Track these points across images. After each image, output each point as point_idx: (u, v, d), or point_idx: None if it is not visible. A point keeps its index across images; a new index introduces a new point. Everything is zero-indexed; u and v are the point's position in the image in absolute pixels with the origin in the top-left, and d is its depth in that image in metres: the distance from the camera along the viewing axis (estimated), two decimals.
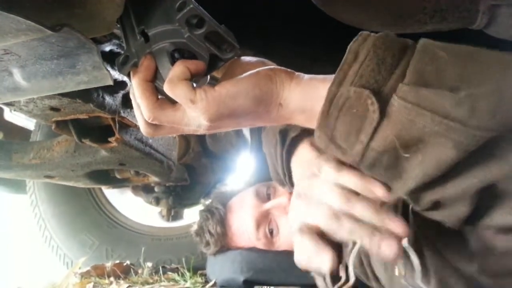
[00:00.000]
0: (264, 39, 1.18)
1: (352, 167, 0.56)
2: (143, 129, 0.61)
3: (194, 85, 0.55)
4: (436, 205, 0.50)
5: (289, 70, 0.58)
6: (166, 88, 0.54)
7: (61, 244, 1.81)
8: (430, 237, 0.66)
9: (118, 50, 0.84)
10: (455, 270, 0.65)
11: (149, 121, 0.57)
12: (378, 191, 0.53)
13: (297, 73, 0.57)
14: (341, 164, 0.56)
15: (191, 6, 0.54)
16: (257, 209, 1.13)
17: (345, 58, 0.49)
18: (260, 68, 0.57)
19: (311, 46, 1.23)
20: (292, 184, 0.84)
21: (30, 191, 1.84)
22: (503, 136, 0.43)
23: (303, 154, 0.78)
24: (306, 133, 0.79)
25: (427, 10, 0.89)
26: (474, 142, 0.43)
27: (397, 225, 0.49)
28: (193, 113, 0.55)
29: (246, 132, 1.83)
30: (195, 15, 0.55)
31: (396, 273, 0.55)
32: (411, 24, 0.92)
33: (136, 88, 0.56)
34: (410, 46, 0.49)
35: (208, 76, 0.62)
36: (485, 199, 0.48)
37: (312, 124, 0.54)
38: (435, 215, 0.52)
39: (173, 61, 0.56)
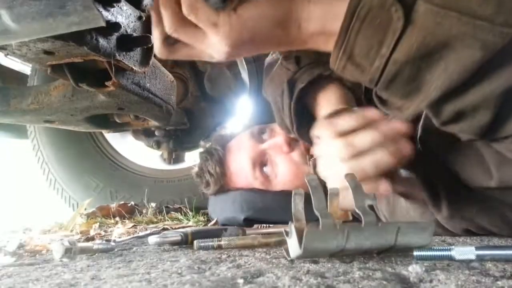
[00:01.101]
0: None
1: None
2: (158, 49, 0.61)
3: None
4: (458, 115, 0.49)
5: None
6: (187, 10, 0.53)
7: (66, 187, 1.86)
8: (444, 161, 0.66)
9: None
10: (468, 192, 0.66)
11: (170, 32, 0.57)
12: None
13: None
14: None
15: None
16: (254, 149, 1.15)
17: None
18: None
19: None
20: (299, 134, 0.85)
21: (32, 135, 1.85)
22: None
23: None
24: (313, 84, 0.79)
25: None
26: (500, 40, 0.42)
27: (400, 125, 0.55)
28: (215, 37, 0.54)
29: (245, 75, 1.80)
30: None
31: None
32: None
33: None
34: None
35: None
36: (507, 104, 0.46)
37: (331, 46, 0.52)
38: (455, 128, 0.51)
39: None
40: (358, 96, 0.80)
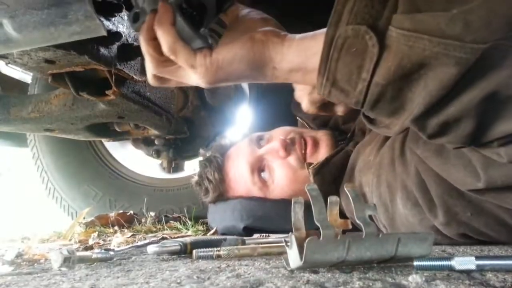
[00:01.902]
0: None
1: None
2: (150, 80, 0.66)
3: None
4: (443, 128, 0.52)
5: (281, 32, 0.60)
6: (168, 52, 0.58)
7: (65, 196, 1.86)
8: (434, 169, 0.68)
9: (112, 0, 0.81)
10: (461, 196, 0.68)
11: (155, 73, 0.63)
12: None
13: (288, 34, 0.59)
14: None
15: None
16: (252, 155, 1.16)
17: (337, 0, 0.49)
18: (255, 32, 0.59)
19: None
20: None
21: (31, 144, 1.85)
22: (497, 45, 0.45)
23: None
24: None
25: None
26: (473, 56, 0.44)
27: None
28: (194, 75, 0.60)
29: (245, 85, 1.81)
30: None
31: None
32: None
33: (142, 46, 0.61)
34: None
35: (218, 18, 0.66)
36: (488, 111, 0.49)
37: (309, 79, 0.57)
38: (443, 139, 0.54)
39: (182, 13, 0.58)
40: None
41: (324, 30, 0.50)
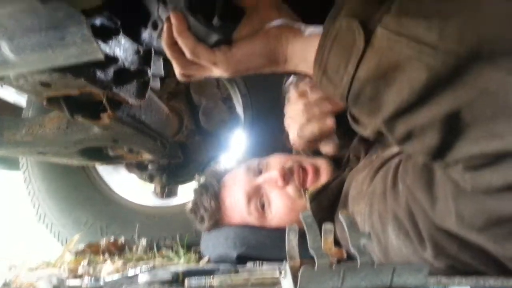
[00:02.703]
0: None
1: None
2: (178, 77, 0.74)
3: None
4: (409, 135, 0.53)
5: (294, 26, 0.65)
6: (190, 56, 0.66)
7: (56, 221, 1.82)
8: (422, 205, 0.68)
9: (109, 24, 0.82)
10: (446, 232, 0.66)
11: (182, 72, 0.71)
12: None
13: (301, 28, 0.65)
14: None
15: None
16: (249, 184, 1.14)
17: None
18: (270, 26, 0.65)
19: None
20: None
21: (24, 167, 1.83)
22: (471, 62, 0.45)
23: None
24: None
25: None
26: (444, 66, 0.46)
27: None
28: (217, 70, 0.68)
29: (240, 109, 1.82)
30: None
31: None
32: None
33: (166, 52, 0.69)
34: None
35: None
36: (453, 130, 0.49)
37: (311, 71, 0.61)
38: (409, 148, 0.56)
39: (193, 13, 0.63)
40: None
41: None
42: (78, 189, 1.83)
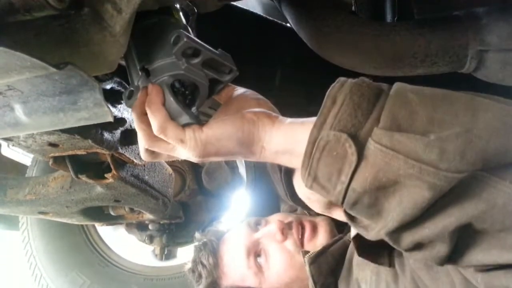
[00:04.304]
0: (261, 78, 1.21)
1: None
2: (142, 155, 0.66)
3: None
4: (417, 246, 0.51)
5: (273, 114, 0.62)
6: (157, 131, 0.59)
7: (51, 283, 1.76)
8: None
9: (119, 88, 0.86)
10: None
11: (146, 147, 0.64)
12: None
13: (280, 117, 0.61)
14: None
15: (185, 40, 0.57)
16: (248, 238, 1.14)
17: (324, 102, 0.52)
18: (247, 111, 0.61)
19: (307, 86, 1.26)
20: (293, 201, 0.93)
21: (23, 227, 1.80)
22: (476, 174, 0.45)
23: None
24: None
25: (417, 54, 0.93)
26: (447, 184, 0.45)
27: None
28: (184, 150, 0.60)
29: (242, 170, 1.83)
30: (190, 47, 0.58)
31: None
32: (402, 67, 0.96)
33: (134, 121, 0.62)
34: (384, 91, 0.52)
35: (212, 98, 0.67)
36: (464, 238, 0.49)
37: (295, 163, 0.58)
38: (418, 256, 0.53)
39: (173, 92, 0.59)
40: None
41: (314, 118, 0.53)
42: (76, 250, 1.80)
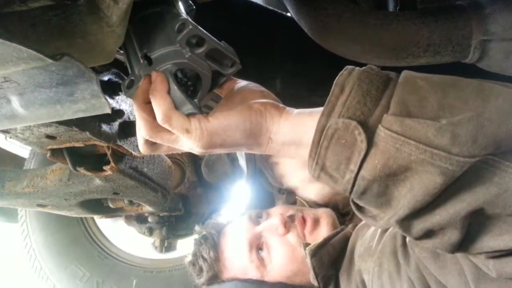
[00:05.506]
0: (262, 70, 1.20)
1: None
2: (141, 147, 0.63)
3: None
4: (428, 233, 0.51)
5: (280, 105, 0.61)
6: (162, 120, 0.56)
7: (51, 276, 1.76)
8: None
9: (116, 79, 0.85)
10: None
11: (147, 138, 0.60)
12: None
13: (287, 108, 0.60)
14: None
15: (190, 27, 0.56)
16: (249, 231, 1.12)
17: (332, 91, 0.51)
18: (253, 101, 0.60)
19: (308, 77, 1.25)
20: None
21: (22, 220, 1.80)
22: (487, 159, 0.45)
23: None
24: None
25: (420, 44, 0.92)
26: (459, 168, 0.44)
27: None
28: (189, 140, 0.58)
29: (242, 162, 1.82)
30: (195, 35, 0.57)
31: None
32: (405, 57, 0.94)
33: (135, 110, 0.59)
34: (393, 79, 0.51)
35: (214, 91, 0.66)
36: (475, 224, 0.48)
37: (301, 155, 0.57)
38: (428, 243, 0.53)
39: (176, 81, 0.58)
40: None
41: (322, 108, 0.52)
42: (75, 243, 1.80)
